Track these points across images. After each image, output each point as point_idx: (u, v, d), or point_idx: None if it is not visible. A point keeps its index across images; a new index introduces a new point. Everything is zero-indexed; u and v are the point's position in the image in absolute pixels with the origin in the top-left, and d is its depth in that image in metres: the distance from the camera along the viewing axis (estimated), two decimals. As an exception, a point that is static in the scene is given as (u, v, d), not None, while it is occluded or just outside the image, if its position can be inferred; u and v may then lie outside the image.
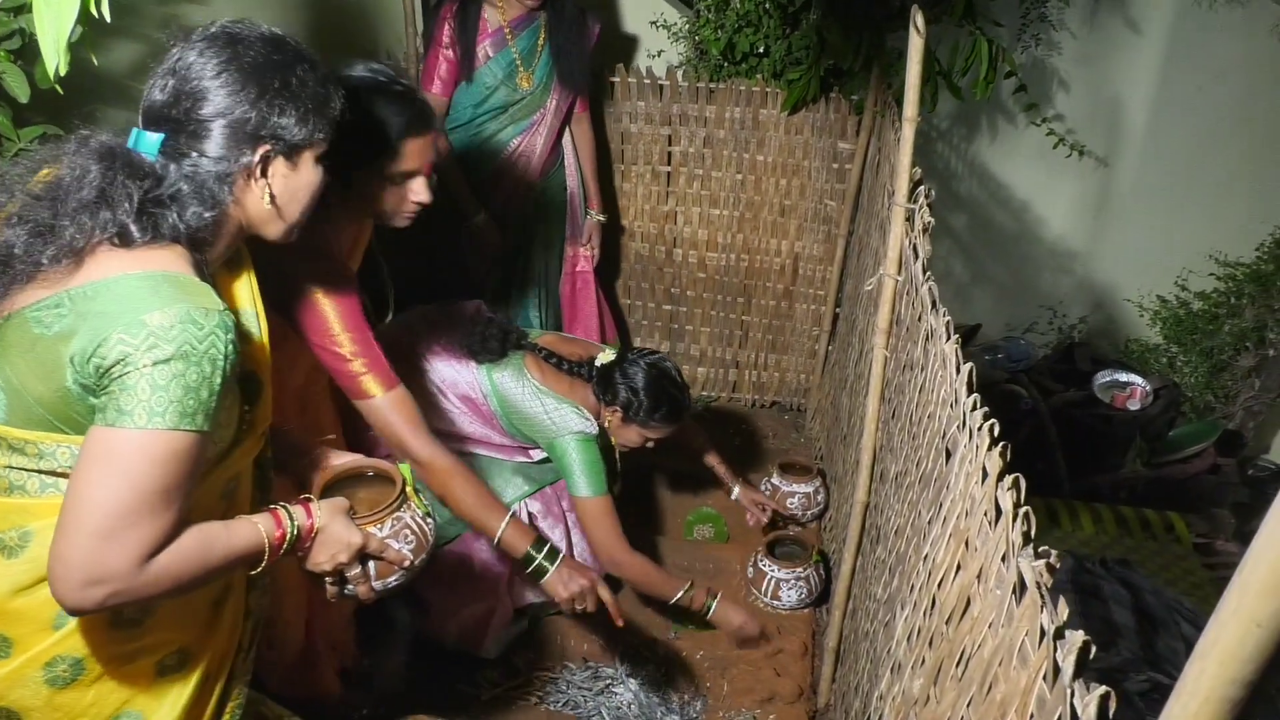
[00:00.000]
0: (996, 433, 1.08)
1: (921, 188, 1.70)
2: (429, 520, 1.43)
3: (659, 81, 3.12)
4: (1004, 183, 3.69)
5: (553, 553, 1.88)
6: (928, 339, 1.49)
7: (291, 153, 1.23)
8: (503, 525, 1.83)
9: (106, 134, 1.16)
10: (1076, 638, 0.75)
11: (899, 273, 1.78)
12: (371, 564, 1.37)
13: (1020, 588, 0.92)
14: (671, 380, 2.31)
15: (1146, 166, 3.62)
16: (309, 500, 1.31)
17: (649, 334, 3.56)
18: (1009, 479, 0.98)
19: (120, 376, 1.04)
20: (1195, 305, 3.68)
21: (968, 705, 1.02)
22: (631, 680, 2.35)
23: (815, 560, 2.60)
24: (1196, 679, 0.49)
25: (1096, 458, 3.33)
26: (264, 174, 1.21)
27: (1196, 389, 3.60)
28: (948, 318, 1.37)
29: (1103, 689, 0.69)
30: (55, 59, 1.02)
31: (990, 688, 0.96)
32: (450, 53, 2.63)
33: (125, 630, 1.18)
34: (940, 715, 1.12)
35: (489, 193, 2.79)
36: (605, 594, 1.91)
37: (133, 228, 1.10)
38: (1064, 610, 0.81)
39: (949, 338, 1.33)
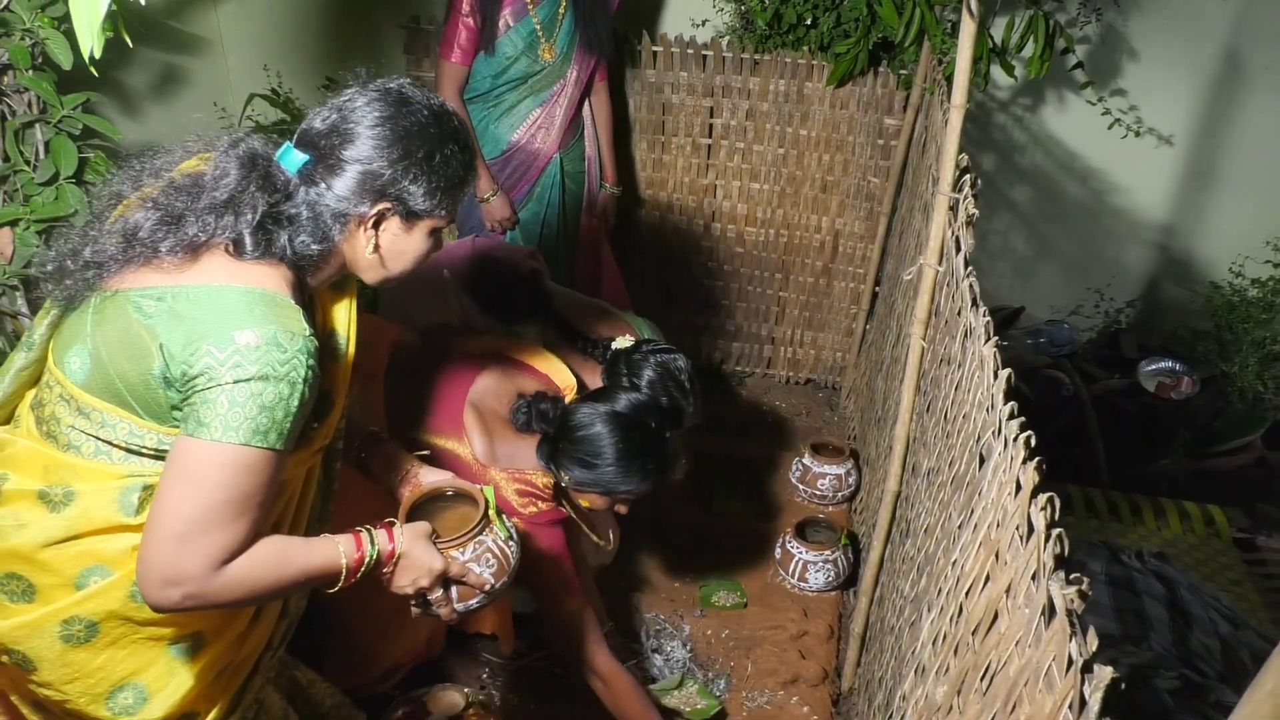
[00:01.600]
0: (1033, 444, 1.05)
1: (967, 177, 1.65)
2: (511, 544, 1.44)
3: (702, 51, 3.06)
4: (1063, 158, 3.58)
5: None
6: (966, 336, 1.45)
7: (410, 217, 1.28)
8: None
9: (258, 142, 1.24)
10: (1105, 674, 0.74)
11: (940, 263, 1.74)
12: (454, 587, 1.39)
13: (1050, 610, 0.90)
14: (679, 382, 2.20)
15: (1209, 146, 3.49)
16: (392, 524, 1.35)
17: (684, 308, 3.53)
18: (1043, 497, 0.95)
19: (204, 390, 1.10)
20: (1251, 293, 3.56)
21: (991, 721, 1.01)
22: (657, 656, 2.37)
23: (844, 543, 2.59)
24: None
25: (1138, 447, 3.26)
26: (375, 226, 1.27)
27: (1246, 379, 3.49)
28: (988, 318, 1.33)
29: (1129, 732, 0.67)
30: (90, 41, 1.02)
31: (1014, 708, 0.95)
32: (470, 21, 2.60)
33: (142, 605, 1.22)
34: (962, 726, 1.11)
35: (508, 163, 2.78)
36: None
37: (248, 239, 1.16)
38: (1093, 641, 0.80)
39: (988, 339, 1.30)
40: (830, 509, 2.87)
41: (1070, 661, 0.82)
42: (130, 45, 1.15)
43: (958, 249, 1.59)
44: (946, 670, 1.23)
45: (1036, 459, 1.01)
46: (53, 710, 1.30)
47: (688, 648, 2.41)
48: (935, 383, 1.73)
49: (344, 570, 1.25)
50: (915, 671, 1.42)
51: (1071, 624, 0.83)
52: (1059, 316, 3.69)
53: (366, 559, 1.27)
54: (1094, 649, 0.79)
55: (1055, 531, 0.91)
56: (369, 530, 1.30)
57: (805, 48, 2.99)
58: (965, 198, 1.61)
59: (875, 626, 2.13)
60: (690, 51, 3.06)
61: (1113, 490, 3.02)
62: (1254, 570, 2.83)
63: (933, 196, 1.77)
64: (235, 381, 1.09)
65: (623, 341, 2.20)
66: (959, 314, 1.54)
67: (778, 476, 3.02)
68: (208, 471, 1.10)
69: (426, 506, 1.47)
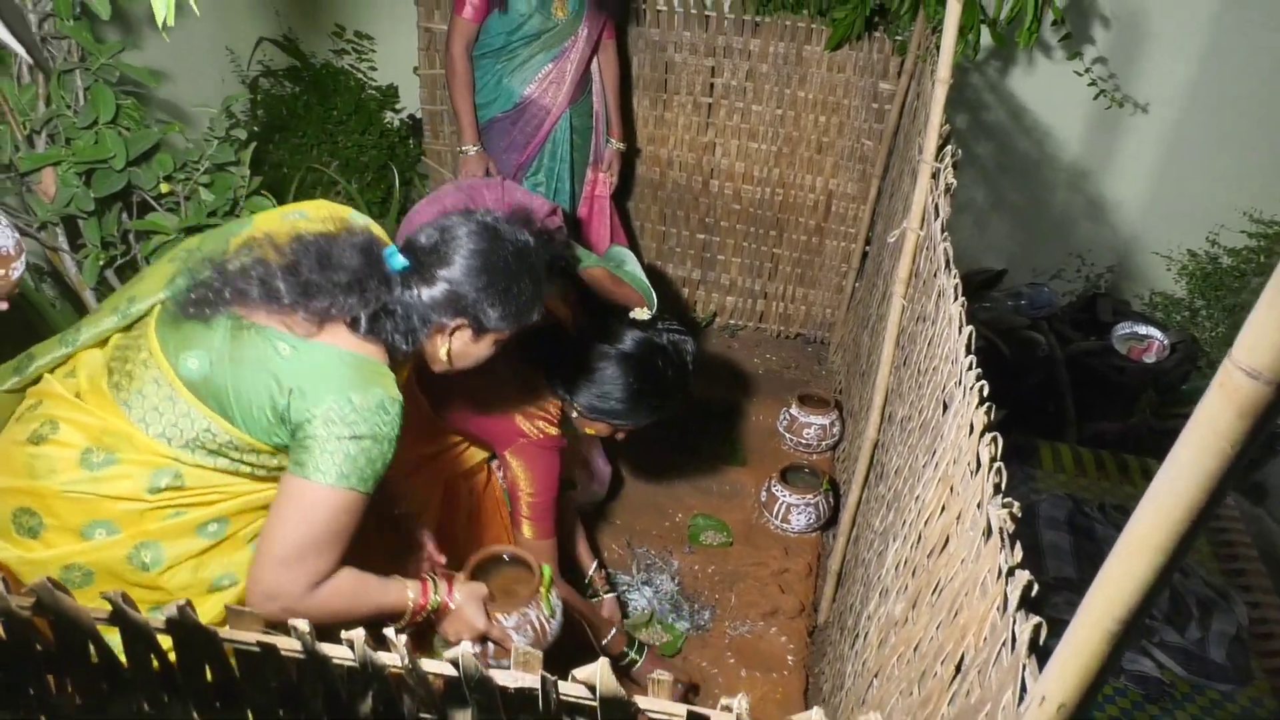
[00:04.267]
0: (986, 393, 1.20)
1: (949, 147, 1.77)
2: (552, 621, 1.64)
3: (705, 12, 3.15)
4: (1036, 119, 3.67)
5: (641, 648, 2.24)
6: (940, 296, 1.59)
7: (480, 331, 1.48)
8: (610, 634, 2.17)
9: (373, 240, 1.42)
10: (1022, 576, 0.89)
11: (921, 227, 1.87)
12: (490, 644, 1.60)
13: (989, 531, 1.06)
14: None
15: (1190, 116, 3.59)
16: (454, 579, 1.56)
17: (681, 262, 3.67)
18: (988, 436, 1.11)
19: (320, 437, 1.29)
20: (1225, 261, 3.70)
21: (937, 628, 1.18)
22: (647, 588, 2.55)
23: (825, 489, 2.76)
24: (1089, 611, 0.63)
25: (1107, 406, 3.43)
26: (451, 334, 1.47)
27: (1215, 345, 3.65)
28: (957, 280, 1.48)
29: (1036, 620, 0.83)
30: (164, 10, 1.13)
31: (956, 614, 1.11)
32: None
33: (137, 569, 1.38)
34: (914, 635, 1.28)
35: (520, 117, 2.88)
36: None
37: (364, 321, 1.36)
38: (1019, 553, 0.95)
39: (956, 299, 1.44)
40: (814, 457, 3.03)
41: (1000, 571, 0.98)
42: (198, 14, 1.25)
43: (936, 215, 1.72)
44: (905, 589, 1.39)
45: (986, 405, 1.16)
46: None
47: (676, 581, 2.59)
48: (912, 338, 1.88)
49: (409, 613, 1.47)
50: (879, 594, 1.59)
51: (1002, 540, 0.99)
52: (1040, 280, 3.83)
53: (429, 605, 1.50)
54: (1019, 559, 0.95)
55: (996, 465, 1.06)
56: (434, 580, 1.52)
57: (805, 11, 3.08)
58: (945, 167, 1.74)
59: (850, 563, 2.30)
60: (693, 12, 3.15)
61: (1080, 446, 3.20)
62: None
63: (918, 162, 1.89)
64: (352, 437, 1.29)
65: (640, 313, 2.34)
66: (935, 275, 1.67)
67: (766, 425, 3.18)
68: (317, 510, 1.29)
69: (489, 565, 1.70)
